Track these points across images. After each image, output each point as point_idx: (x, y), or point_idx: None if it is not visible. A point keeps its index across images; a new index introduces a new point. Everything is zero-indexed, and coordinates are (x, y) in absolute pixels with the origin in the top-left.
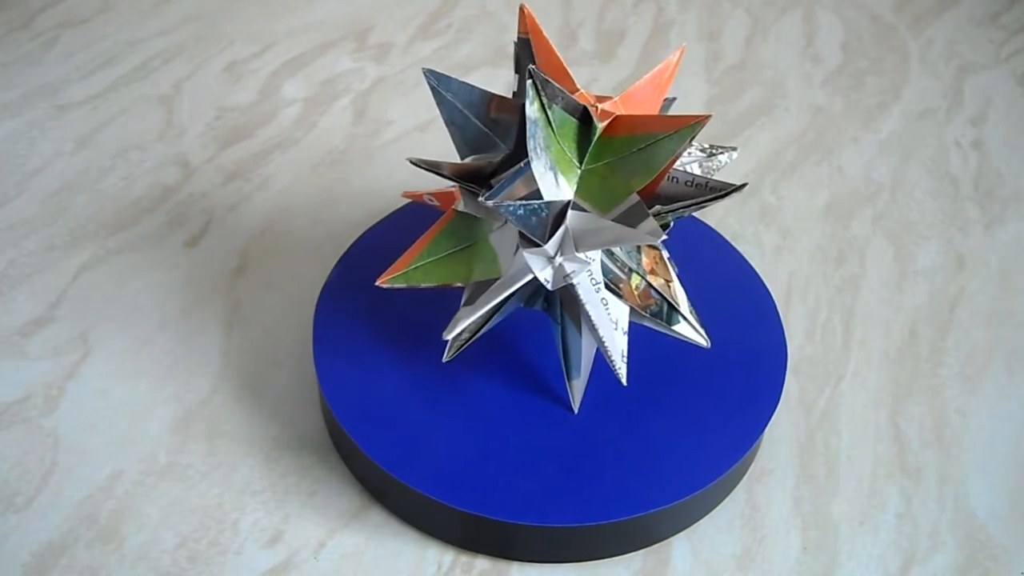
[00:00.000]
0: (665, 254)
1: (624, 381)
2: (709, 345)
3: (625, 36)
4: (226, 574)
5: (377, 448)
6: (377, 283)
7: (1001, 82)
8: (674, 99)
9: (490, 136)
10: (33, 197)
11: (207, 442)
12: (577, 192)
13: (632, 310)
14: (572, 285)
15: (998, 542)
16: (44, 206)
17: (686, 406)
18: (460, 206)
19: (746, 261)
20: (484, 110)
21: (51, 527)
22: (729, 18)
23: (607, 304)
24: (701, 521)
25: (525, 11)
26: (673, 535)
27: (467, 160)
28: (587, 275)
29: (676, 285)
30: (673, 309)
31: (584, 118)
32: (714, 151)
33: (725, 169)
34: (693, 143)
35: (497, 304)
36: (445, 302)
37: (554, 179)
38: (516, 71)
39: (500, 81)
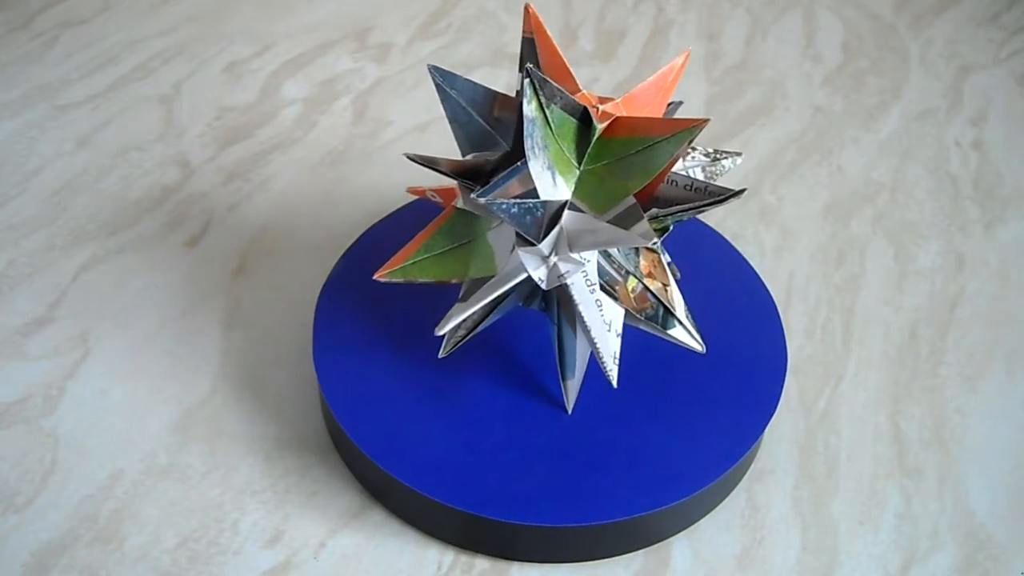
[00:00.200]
0: (666, 258)
1: (615, 383)
2: (704, 351)
3: (625, 36)
4: (226, 574)
5: (377, 448)
6: (375, 277)
7: (1001, 82)
8: (680, 103)
9: (492, 134)
10: (33, 197)
11: (207, 442)
12: (575, 192)
13: (627, 313)
14: (566, 285)
15: (998, 542)
16: (44, 206)
17: (686, 406)
18: (459, 203)
19: (746, 261)
20: (487, 108)
21: (51, 527)
22: (729, 18)
23: (601, 305)
24: (701, 521)
25: (530, 10)
26: (673, 535)
27: (467, 158)
28: (582, 276)
29: (673, 289)
30: (669, 313)
31: (584, 119)
32: (718, 156)
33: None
34: (697, 147)
35: (490, 302)
36: (445, 302)
37: (552, 179)
38: (520, 70)
39: (500, 81)
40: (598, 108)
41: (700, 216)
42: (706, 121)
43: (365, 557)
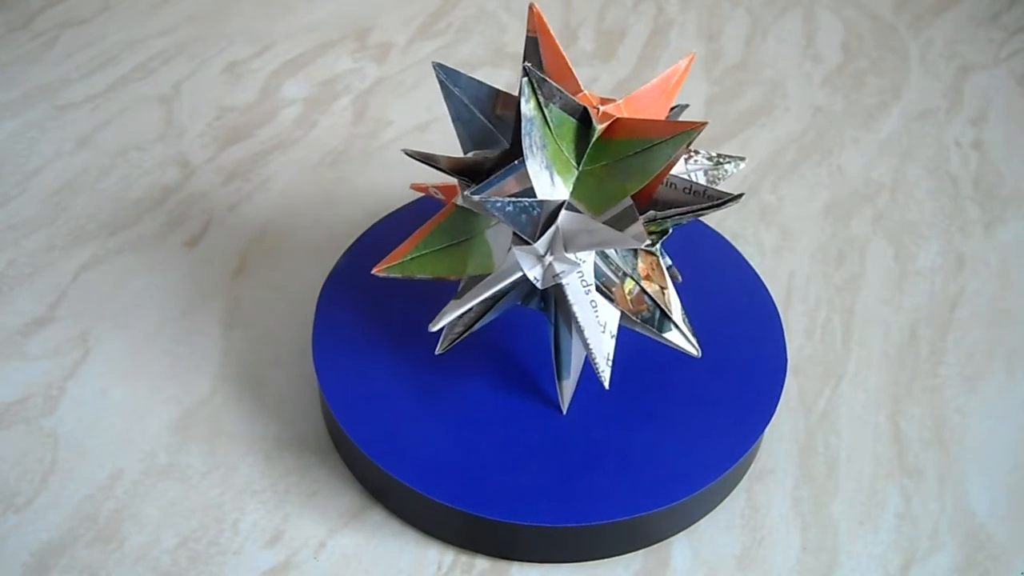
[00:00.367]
0: (667, 262)
1: (606, 385)
2: (700, 355)
3: (625, 36)
4: (226, 574)
5: (377, 448)
6: (373, 271)
7: (1001, 82)
8: (686, 106)
9: (494, 133)
10: (33, 197)
11: (207, 442)
12: (573, 193)
13: (623, 315)
14: (561, 285)
15: (998, 542)
16: (44, 206)
17: (686, 406)
18: (460, 200)
19: (746, 261)
20: (490, 106)
21: (51, 527)
22: (729, 18)
23: (596, 306)
24: (701, 521)
25: (534, 10)
26: (673, 535)
27: (468, 155)
28: (577, 276)
29: (671, 292)
30: (665, 317)
31: (583, 119)
32: (722, 160)
33: None
34: (700, 151)
35: (485, 300)
36: (445, 301)
37: (550, 178)
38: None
39: (500, 81)
40: (599, 109)
41: (700, 217)
42: (704, 124)
43: (365, 557)
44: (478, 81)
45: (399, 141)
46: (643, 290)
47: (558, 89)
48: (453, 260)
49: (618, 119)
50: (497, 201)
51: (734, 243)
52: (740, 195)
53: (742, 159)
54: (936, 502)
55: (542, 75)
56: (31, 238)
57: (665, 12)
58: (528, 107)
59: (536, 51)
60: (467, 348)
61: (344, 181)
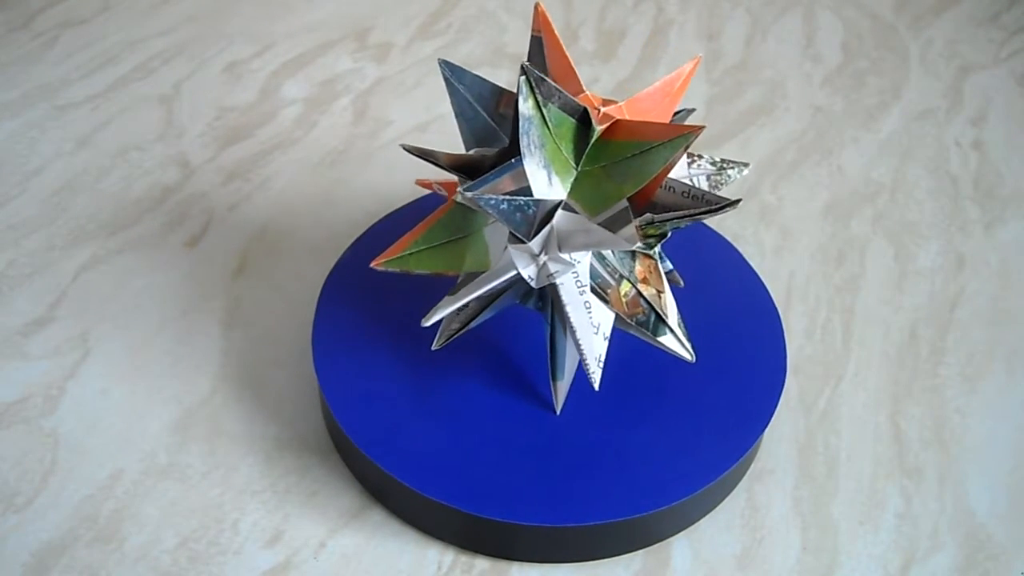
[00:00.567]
0: (667, 266)
1: (596, 386)
2: (694, 360)
3: (625, 36)
4: (226, 574)
5: (377, 448)
6: (372, 265)
7: (1001, 82)
8: (692, 110)
9: (497, 131)
10: (33, 197)
11: (207, 442)
12: (570, 193)
13: (618, 317)
14: (555, 285)
15: (998, 542)
16: (44, 206)
17: (686, 406)
18: (460, 197)
19: (746, 261)
20: (493, 104)
21: (51, 527)
22: (729, 18)
23: (590, 307)
24: (701, 521)
25: (539, 9)
26: (673, 535)
27: (469, 153)
28: (572, 276)
29: (668, 296)
30: (661, 320)
31: (583, 119)
32: (725, 165)
33: None
34: (704, 155)
35: (478, 297)
36: None
37: (547, 178)
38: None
39: (500, 81)
40: (599, 110)
41: (697, 221)
42: (701, 128)
43: (365, 557)
44: (482, 79)
45: (399, 141)
46: (639, 293)
47: (557, 89)
48: (451, 256)
49: (618, 120)
50: (491, 198)
51: (734, 243)
52: (737, 201)
53: (746, 165)
54: (936, 502)
55: (540, 74)
56: (31, 238)
57: (665, 12)
58: (526, 106)
59: (540, 50)
60: (467, 349)
61: (344, 181)
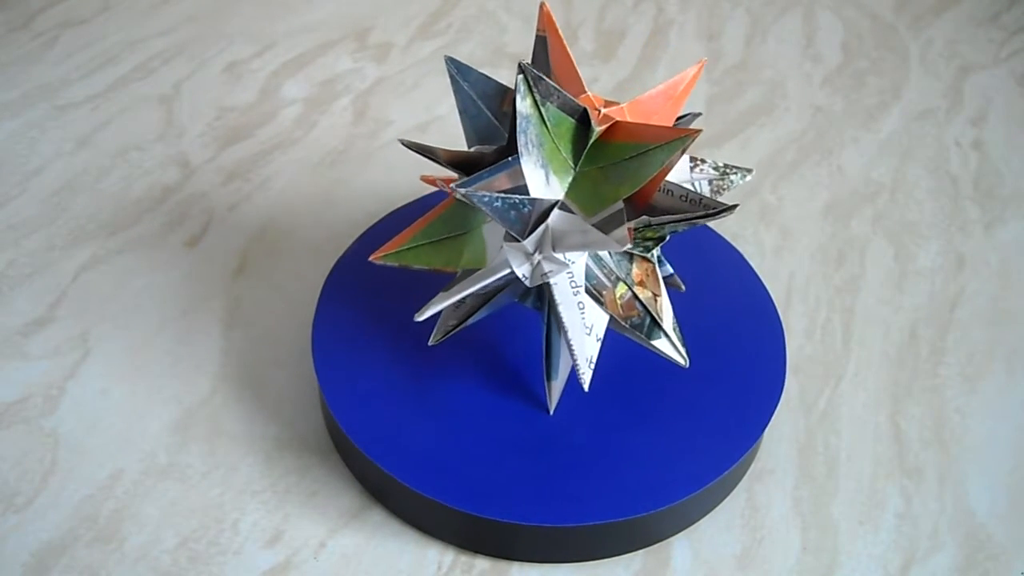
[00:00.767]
0: (668, 270)
1: (586, 388)
2: (688, 365)
3: (625, 36)
4: (226, 574)
5: (377, 448)
6: (371, 259)
7: (1001, 82)
8: (698, 114)
9: (499, 129)
10: (33, 197)
11: (207, 442)
12: (568, 193)
13: (612, 319)
14: (549, 284)
15: (998, 542)
16: (44, 206)
17: (686, 406)
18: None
19: (746, 261)
20: (497, 102)
21: (51, 527)
22: (729, 18)
23: (583, 308)
24: (701, 521)
25: (544, 9)
26: (673, 535)
27: (470, 150)
28: (566, 276)
29: (664, 300)
30: (655, 324)
31: (583, 120)
32: (727, 171)
33: None
34: (707, 160)
35: (472, 294)
36: None
37: (545, 177)
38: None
39: (500, 81)
40: (600, 111)
41: (695, 225)
42: (698, 132)
43: (365, 557)
44: (487, 77)
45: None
46: (635, 296)
47: (556, 88)
48: (449, 252)
49: (617, 122)
50: (484, 196)
51: (734, 243)
52: (734, 206)
53: (749, 171)
54: (936, 502)
55: (538, 73)
56: (31, 238)
57: (665, 12)
58: (524, 104)
59: (545, 50)
60: (468, 349)
61: (344, 181)
